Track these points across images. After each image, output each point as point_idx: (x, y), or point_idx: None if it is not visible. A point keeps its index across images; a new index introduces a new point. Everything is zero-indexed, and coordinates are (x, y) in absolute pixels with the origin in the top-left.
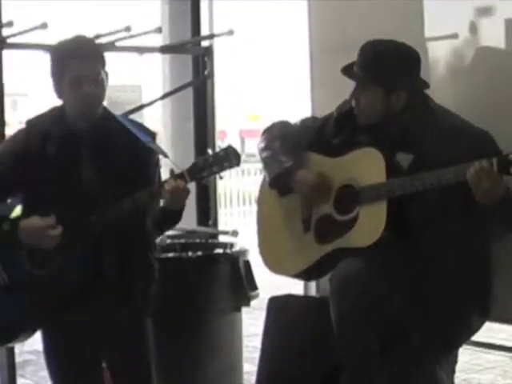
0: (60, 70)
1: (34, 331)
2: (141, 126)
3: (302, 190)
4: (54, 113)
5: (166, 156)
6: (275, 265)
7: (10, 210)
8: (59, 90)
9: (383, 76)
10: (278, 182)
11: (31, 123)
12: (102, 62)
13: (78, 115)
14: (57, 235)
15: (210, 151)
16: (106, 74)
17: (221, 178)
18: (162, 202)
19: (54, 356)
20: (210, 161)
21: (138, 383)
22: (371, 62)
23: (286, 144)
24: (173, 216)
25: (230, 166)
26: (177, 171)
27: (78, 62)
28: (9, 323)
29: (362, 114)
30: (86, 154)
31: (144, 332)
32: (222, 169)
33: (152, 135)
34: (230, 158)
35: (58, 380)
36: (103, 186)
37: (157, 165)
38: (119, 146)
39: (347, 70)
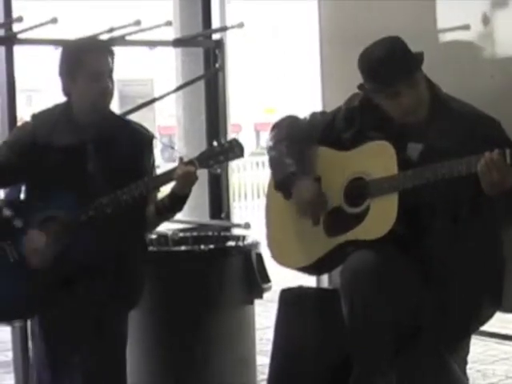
0: (76, 65)
1: (27, 315)
2: (141, 125)
3: (298, 202)
4: (60, 108)
5: (172, 148)
6: (283, 258)
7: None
8: (71, 87)
9: (403, 75)
10: (282, 188)
11: (37, 117)
12: (114, 61)
13: (88, 111)
14: (47, 258)
15: (215, 143)
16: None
17: (217, 169)
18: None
19: (40, 342)
20: (217, 150)
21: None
22: (388, 68)
23: (292, 145)
24: (179, 201)
25: (235, 157)
26: (186, 159)
27: (98, 57)
28: (9, 301)
29: (402, 115)
30: (91, 149)
31: (125, 325)
32: (228, 158)
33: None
34: (235, 149)
35: (42, 366)
36: (108, 180)
37: (154, 156)
38: (122, 141)
39: (363, 88)
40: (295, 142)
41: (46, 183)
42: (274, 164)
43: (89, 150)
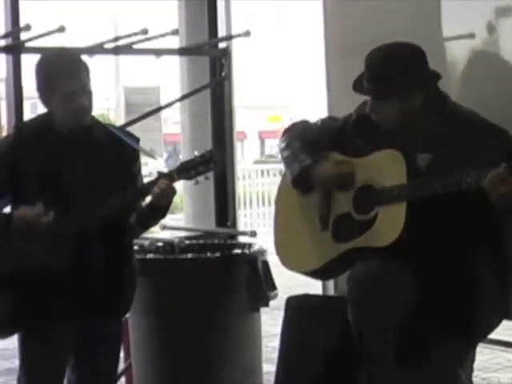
0: (50, 86)
1: (15, 328)
2: (125, 131)
3: (324, 182)
4: (42, 119)
5: (152, 157)
6: (290, 261)
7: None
8: (47, 102)
9: (394, 86)
10: (301, 181)
11: (20, 129)
12: (88, 73)
13: (67, 126)
14: (50, 221)
15: (196, 152)
16: (90, 81)
17: (206, 178)
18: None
19: (30, 355)
20: (197, 161)
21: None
22: (378, 74)
23: (305, 143)
24: (160, 212)
25: (215, 167)
26: (165, 171)
27: (68, 79)
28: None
29: (384, 124)
30: (75, 157)
31: (119, 332)
32: (208, 169)
33: (136, 139)
34: (215, 159)
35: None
36: (92, 187)
37: (140, 166)
38: (106, 148)
39: (357, 86)
40: (309, 142)
41: (31, 194)
42: (290, 161)
43: (72, 159)
